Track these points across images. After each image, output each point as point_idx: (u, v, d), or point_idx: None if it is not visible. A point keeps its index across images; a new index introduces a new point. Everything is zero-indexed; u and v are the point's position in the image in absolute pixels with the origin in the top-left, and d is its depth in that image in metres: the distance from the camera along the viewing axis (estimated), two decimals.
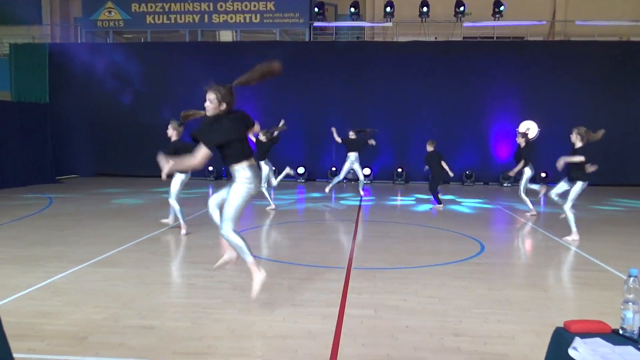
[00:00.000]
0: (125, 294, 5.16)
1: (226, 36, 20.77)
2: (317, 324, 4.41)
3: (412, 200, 13.50)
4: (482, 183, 17.90)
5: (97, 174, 19.09)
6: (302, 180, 18.07)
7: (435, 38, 19.37)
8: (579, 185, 8.09)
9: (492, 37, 18.81)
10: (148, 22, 19.49)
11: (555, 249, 7.59)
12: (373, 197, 13.91)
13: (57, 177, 17.34)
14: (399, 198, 14.02)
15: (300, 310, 4.74)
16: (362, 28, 20.32)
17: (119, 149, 18.86)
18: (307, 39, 19.30)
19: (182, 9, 19.47)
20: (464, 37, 19.04)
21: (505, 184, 17.41)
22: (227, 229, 4.53)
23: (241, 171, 4.56)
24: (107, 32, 20.06)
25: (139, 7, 19.52)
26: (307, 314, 4.65)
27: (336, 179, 13.01)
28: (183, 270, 6.07)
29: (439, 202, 11.82)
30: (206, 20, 19.52)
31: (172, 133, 8.52)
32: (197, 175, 18.43)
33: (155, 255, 6.90)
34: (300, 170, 18.15)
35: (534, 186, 10.99)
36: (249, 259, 4.63)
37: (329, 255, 6.93)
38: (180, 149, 7.91)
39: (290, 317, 4.55)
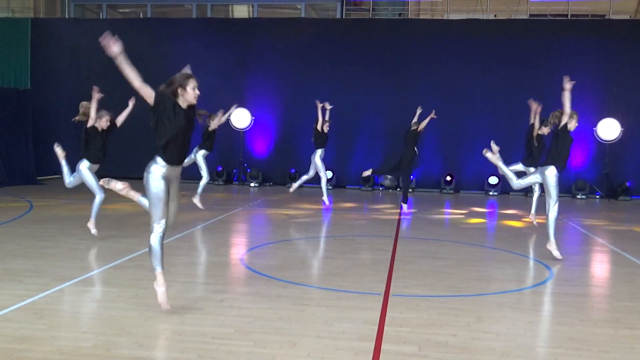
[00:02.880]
0: (118, 319, 5.24)
1: (241, 12, 21.01)
2: None
3: (464, 213, 13.42)
4: None
5: None
6: (330, 187, 18.10)
7: (495, 16, 19.26)
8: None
9: (566, 15, 18.62)
10: None
11: None
12: (414, 210, 13.87)
13: (38, 178, 17.71)
14: (447, 210, 13.96)
15: (328, 344, 4.76)
16: (405, 3, 20.32)
17: (112, 145, 19.09)
18: (338, 16, 19.39)
19: None
20: (530, 15, 18.90)
21: (579, 196, 17.18)
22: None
23: None
24: (99, 6, 20.46)
25: None
26: (337, 348, 4.67)
27: (324, 182, 13.08)
28: (188, 292, 6.15)
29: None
30: None
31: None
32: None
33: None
34: (328, 174, 18.19)
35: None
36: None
37: (363, 279, 6.95)
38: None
39: (316, 352, 4.58)
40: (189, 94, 5.20)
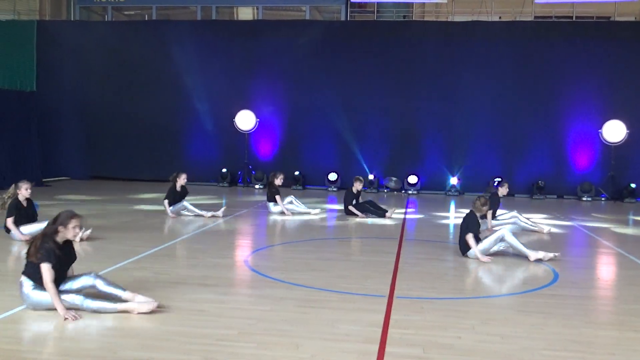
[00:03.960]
0: (123, 321, 5.25)
1: (246, 14, 21.04)
2: None
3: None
4: (555, 196, 17.66)
5: (91, 177, 19.47)
6: (334, 189, 18.11)
7: (500, 18, 19.24)
8: None
9: (571, 17, 18.59)
10: None
11: None
12: (421, 215, 13.83)
13: (43, 180, 17.76)
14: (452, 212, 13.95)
15: (332, 346, 4.76)
16: (409, 5, 20.33)
17: (117, 148, 19.24)
18: (343, 18, 19.40)
19: None
20: (535, 17, 18.87)
21: (584, 198, 17.14)
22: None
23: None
24: (104, 8, 20.52)
25: None
26: (341, 350, 4.67)
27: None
28: (192, 294, 6.16)
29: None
30: None
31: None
32: (208, 180, 18.69)
33: (159, 275, 7.01)
34: (332, 176, 18.21)
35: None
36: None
37: (367, 281, 6.94)
38: None
39: (320, 354, 4.58)
40: (69, 232, 5.55)
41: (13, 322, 5.18)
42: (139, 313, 5.39)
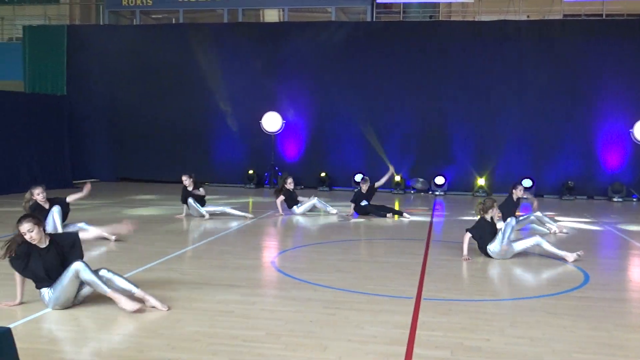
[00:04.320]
0: (151, 321, 5.30)
1: (271, 16, 21.12)
2: None
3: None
4: (585, 197, 17.41)
5: (120, 179, 19.71)
6: None
7: (528, 16, 19.05)
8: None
9: (601, 15, 18.32)
10: (180, 0, 20.06)
11: None
12: (447, 213, 13.74)
13: (74, 181, 18.02)
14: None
15: (359, 347, 4.74)
16: (436, 5, 20.24)
17: (145, 151, 19.44)
18: (368, 19, 19.37)
19: None
20: (564, 15, 18.64)
21: (615, 199, 16.86)
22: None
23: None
24: (133, 12, 20.77)
25: None
26: (367, 352, 4.65)
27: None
28: (219, 295, 6.18)
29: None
30: None
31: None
32: (235, 182, 18.80)
33: (186, 276, 7.06)
34: (359, 177, 18.16)
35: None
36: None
37: (394, 282, 6.90)
38: None
39: (347, 356, 4.56)
40: (25, 237, 5.53)
41: (43, 322, 5.27)
42: (122, 308, 5.46)
